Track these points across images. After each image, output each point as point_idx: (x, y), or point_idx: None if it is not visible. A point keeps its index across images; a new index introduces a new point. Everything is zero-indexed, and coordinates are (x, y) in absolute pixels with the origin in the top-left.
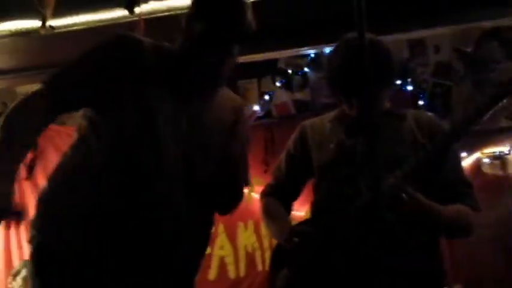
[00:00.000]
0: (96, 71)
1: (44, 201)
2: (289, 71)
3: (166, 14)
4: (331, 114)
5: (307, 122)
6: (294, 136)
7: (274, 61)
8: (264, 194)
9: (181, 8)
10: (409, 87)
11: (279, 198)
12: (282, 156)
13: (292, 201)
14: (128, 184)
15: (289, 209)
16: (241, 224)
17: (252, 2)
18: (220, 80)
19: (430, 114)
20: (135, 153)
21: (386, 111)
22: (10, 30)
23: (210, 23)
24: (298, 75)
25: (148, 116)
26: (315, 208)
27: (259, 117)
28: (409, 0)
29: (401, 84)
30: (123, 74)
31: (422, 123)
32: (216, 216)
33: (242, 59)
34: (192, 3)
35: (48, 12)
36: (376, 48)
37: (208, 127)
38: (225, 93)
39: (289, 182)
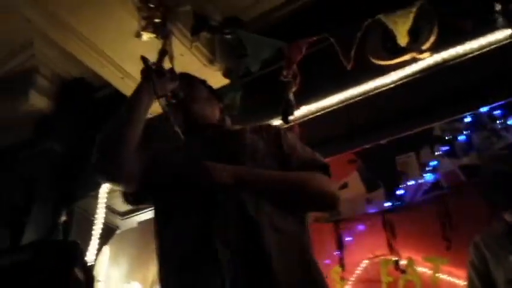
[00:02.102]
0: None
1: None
2: (448, 137)
3: (317, 114)
4: (498, 227)
5: (478, 239)
6: (472, 252)
7: (429, 130)
8: None
9: (329, 106)
10: None
11: None
12: (470, 272)
13: None
14: None
15: None
16: None
17: (400, 83)
18: None
19: None
20: None
21: None
22: None
23: None
24: (459, 139)
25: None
26: None
27: (426, 191)
28: None
29: None
30: None
31: None
32: None
33: (397, 135)
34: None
35: None
36: None
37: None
38: None
39: None
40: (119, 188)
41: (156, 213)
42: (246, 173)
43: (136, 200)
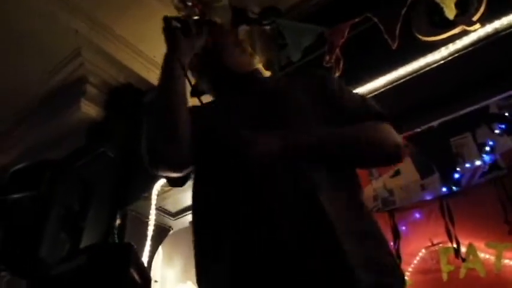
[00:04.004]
0: None
1: None
2: (506, 114)
3: None
4: None
5: None
6: None
7: (485, 108)
8: None
9: (376, 89)
10: None
11: None
12: None
13: None
14: None
15: None
16: None
17: (451, 58)
18: None
19: None
20: None
21: None
22: None
23: None
24: None
25: None
26: None
27: (484, 173)
28: None
29: None
30: None
31: None
32: None
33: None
34: None
35: None
36: None
37: None
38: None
39: None
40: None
41: (194, 193)
42: (294, 140)
43: (185, 181)
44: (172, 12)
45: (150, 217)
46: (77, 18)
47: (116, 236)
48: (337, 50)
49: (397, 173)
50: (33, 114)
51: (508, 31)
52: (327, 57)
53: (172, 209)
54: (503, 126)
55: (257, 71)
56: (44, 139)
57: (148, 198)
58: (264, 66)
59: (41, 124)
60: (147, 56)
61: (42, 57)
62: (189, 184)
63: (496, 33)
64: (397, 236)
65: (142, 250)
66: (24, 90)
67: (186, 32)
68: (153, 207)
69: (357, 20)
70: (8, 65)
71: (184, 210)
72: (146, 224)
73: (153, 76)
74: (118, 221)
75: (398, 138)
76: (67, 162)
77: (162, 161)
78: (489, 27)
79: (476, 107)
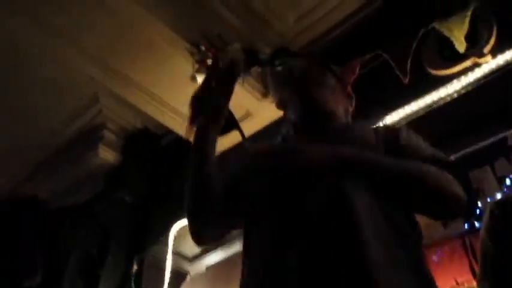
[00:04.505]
0: None
1: None
2: None
3: None
4: None
5: None
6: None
7: (503, 140)
8: None
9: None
10: None
11: None
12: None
13: None
14: None
15: None
16: None
17: (464, 91)
18: None
19: None
20: None
21: None
22: None
23: None
24: None
25: None
26: None
27: None
28: None
29: None
30: None
31: None
32: None
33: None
34: None
35: None
36: None
37: None
38: None
39: None
40: None
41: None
42: (349, 153)
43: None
44: (185, 56)
45: (167, 262)
46: (92, 65)
47: (132, 282)
48: (349, 88)
49: None
50: (51, 162)
51: None
52: None
53: (189, 252)
54: None
55: (336, 114)
56: (62, 186)
57: (165, 243)
58: (277, 106)
59: (59, 172)
60: (161, 99)
61: (60, 106)
62: None
63: (508, 64)
64: None
65: None
66: (44, 138)
67: (252, 63)
68: (169, 252)
69: (368, 56)
70: (26, 115)
71: (201, 253)
72: (163, 270)
73: (168, 120)
74: (135, 267)
75: (462, 192)
76: (85, 207)
77: (206, 241)
78: (501, 59)
79: (492, 140)
